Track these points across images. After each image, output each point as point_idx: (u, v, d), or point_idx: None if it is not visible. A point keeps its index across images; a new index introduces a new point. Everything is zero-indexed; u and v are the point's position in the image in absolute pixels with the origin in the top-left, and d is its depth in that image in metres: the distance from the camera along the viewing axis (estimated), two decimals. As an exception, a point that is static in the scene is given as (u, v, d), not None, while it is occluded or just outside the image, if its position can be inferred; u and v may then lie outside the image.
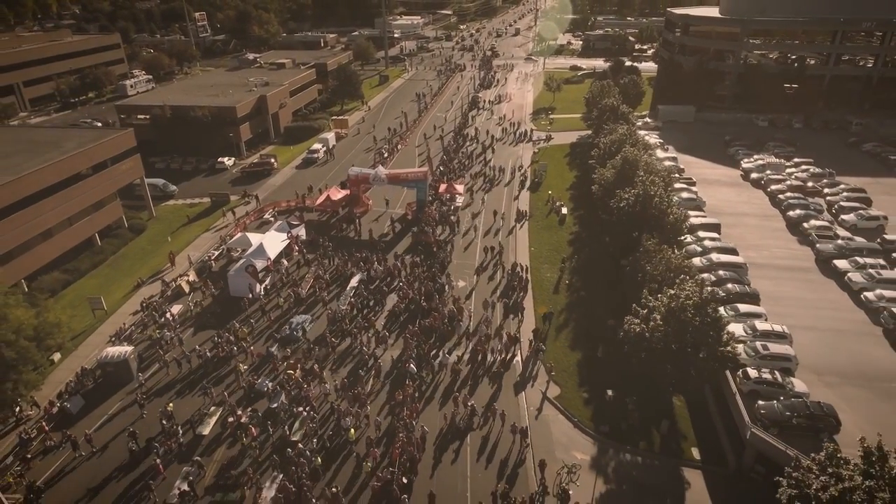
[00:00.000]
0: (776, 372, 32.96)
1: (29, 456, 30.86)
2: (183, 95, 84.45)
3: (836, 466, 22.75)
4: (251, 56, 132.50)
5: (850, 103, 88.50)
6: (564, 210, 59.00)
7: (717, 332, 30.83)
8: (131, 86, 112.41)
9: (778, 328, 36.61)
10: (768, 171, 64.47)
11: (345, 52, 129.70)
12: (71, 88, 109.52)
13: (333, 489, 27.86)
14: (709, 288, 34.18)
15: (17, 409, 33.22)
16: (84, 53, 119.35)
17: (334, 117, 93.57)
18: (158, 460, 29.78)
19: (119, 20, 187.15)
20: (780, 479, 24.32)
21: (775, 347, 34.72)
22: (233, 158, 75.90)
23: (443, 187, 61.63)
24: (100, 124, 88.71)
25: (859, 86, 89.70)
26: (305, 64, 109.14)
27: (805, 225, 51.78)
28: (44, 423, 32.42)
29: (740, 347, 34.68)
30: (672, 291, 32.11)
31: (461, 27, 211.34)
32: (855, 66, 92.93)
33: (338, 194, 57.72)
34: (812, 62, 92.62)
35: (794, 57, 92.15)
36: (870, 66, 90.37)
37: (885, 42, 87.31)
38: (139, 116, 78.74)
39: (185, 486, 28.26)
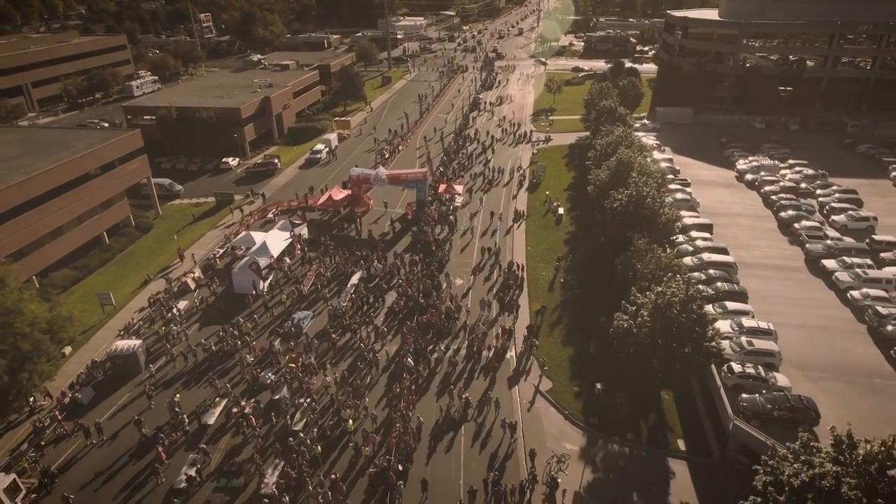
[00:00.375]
0: (760, 367, 34.13)
1: (43, 443, 32.35)
2: (188, 96, 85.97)
3: (809, 454, 23.96)
4: (256, 57, 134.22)
5: (847, 105, 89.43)
6: (561, 210, 60.23)
7: (703, 328, 32.04)
8: (137, 87, 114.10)
9: (764, 325, 37.78)
10: (762, 173, 65.53)
11: (348, 54, 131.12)
12: (78, 89, 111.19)
13: (332, 476, 29.25)
14: (698, 286, 35.36)
15: (32, 399, 34.68)
16: (91, 55, 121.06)
17: (337, 118, 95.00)
18: (160, 448, 31.15)
19: (125, 21, 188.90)
20: (758, 467, 25.51)
21: (760, 343, 35.87)
22: (237, 159, 77.39)
23: (442, 187, 62.91)
24: (107, 125, 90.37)
25: (857, 88, 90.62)
26: (309, 65, 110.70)
27: (796, 225, 52.82)
28: (56, 413, 33.90)
29: (726, 343, 35.93)
30: (659, 289, 33.33)
31: (464, 28, 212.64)
32: (853, 67, 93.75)
33: (339, 194, 59.05)
34: (812, 64, 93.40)
35: (794, 59, 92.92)
36: (868, 68, 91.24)
37: (882, 44, 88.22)
38: (145, 117, 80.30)
39: (191, 472, 29.67)
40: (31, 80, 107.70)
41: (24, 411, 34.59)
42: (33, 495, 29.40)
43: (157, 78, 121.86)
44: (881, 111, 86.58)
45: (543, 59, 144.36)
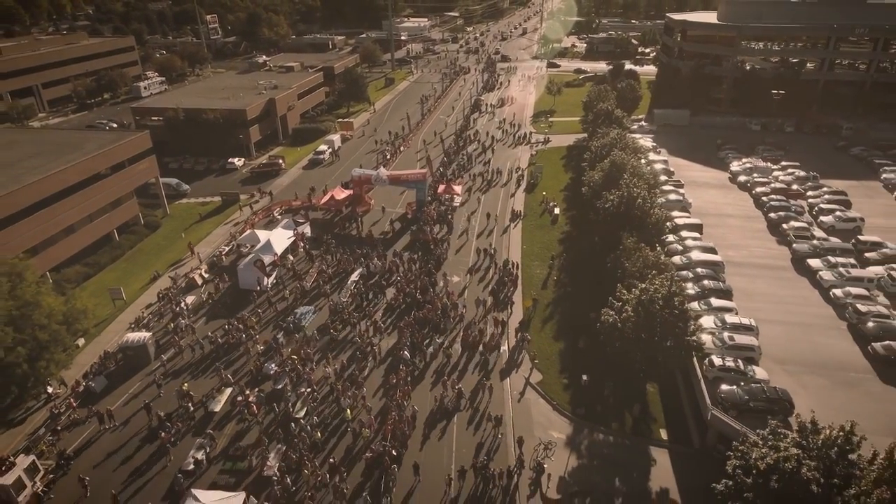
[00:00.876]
0: (739, 360, 35.71)
1: (59, 428, 34.36)
2: (195, 98, 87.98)
3: (777, 440, 25.59)
4: (261, 59, 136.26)
5: (843, 107, 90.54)
6: (557, 210, 61.81)
7: (684, 323, 33.66)
8: (145, 87, 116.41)
9: (746, 321, 39.32)
10: (755, 175, 66.90)
11: (352, 55, 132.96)
12: (87, 90, 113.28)
13: (331, 460, 31.08)
14: (682, 283, 36.82)
15: (49, 387, 36.64)
16: (100, 56, 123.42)
17: (340, 119, 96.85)
18: (163, 434, 33.00)
19: (132, 21, 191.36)
20: (730, 453, 27.13)
21: (741, 338, 37.44)
22: (243, 159, 79.35)
23: (441, 188, 64.59)
24: (115, 125, 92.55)
25: (853, 90, 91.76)
26: (313, 67, 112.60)
27: (784, 226, 54.22)
28: (71, 400, 35.89)
29: (709, 338, 37.59)
30: (643, 285, 34.96)
31: (467, 29, 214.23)
32: (852, 70, 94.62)
33: (341, 194, 60.87)
34: (811, 66, 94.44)
35: (795, 61, 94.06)
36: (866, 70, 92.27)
37: (878, 48, 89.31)
38: (153, 118, 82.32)
39: (199, 456, 31.59)
40: (41, 82, 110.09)
41: (42, 398, 36.61)
42: (51, 475, 31.36)
43: (164, 79, 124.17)
44: (877, 114, 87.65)
45: (556, 62, 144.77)
